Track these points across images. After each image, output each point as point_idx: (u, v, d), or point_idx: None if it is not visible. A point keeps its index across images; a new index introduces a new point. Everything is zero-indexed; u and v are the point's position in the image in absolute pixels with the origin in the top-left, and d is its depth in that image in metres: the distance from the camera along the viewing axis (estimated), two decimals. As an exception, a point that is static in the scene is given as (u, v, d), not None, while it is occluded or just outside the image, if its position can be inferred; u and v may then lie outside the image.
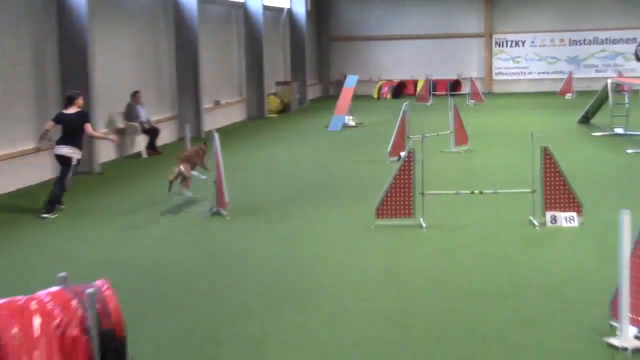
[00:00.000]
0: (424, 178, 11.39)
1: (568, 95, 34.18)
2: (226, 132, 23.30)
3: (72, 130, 12.75)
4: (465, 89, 34.33)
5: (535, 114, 27.77)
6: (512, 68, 39.35)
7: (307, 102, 34.47)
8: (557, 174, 11.19)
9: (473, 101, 32.01)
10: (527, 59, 38.88)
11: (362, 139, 21.57)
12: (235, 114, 28.19)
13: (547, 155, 11.14)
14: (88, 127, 12.92)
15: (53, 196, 12.61)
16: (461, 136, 18.89)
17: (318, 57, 39.92)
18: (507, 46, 39.27)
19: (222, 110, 26.81)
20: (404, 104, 17.83)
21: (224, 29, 27.78)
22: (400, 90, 37.53)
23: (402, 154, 13.47)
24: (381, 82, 38.19)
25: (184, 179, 12.87)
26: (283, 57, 33.87)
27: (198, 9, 22.91)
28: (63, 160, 12.74)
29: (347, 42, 40.24)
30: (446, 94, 32.52)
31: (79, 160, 12.90)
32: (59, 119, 12.94)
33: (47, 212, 12.52)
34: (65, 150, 12.68)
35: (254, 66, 28.98)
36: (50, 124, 13.07)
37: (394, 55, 39.70)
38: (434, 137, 18.52)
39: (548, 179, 11.18)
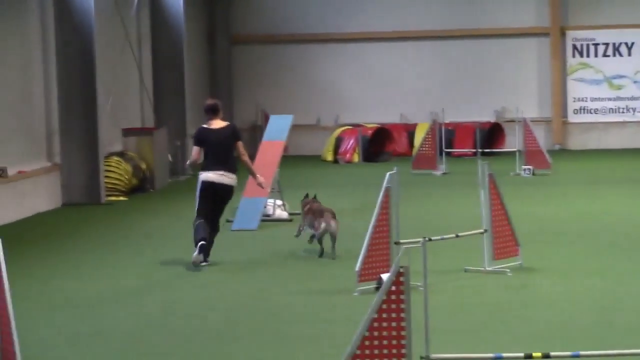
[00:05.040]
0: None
1: None
2: (17, 236, 18.18)
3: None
4: (513, 142, 26.64)
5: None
6: (608, 99, 29.33)
7: (187, 168, 24.11)
8: None
9: (529, 167, 25.00)
10: None
11: (302, 245, 16.38)
12: (41, 198, 21.90)
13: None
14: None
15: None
16: (506, 238, 15.69)
17: (209, 80, 30.79)
18: (596, 54, 29.41)
19: (12, 188, 21.00)
20: (390, 172, 14.24)
21: (17, 33, 21.08)
22: (379, 145, 29.49)
23: (384, 276, 12.24)
24: (341, 129, 29.23)
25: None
26: (138, 81, 25.59)
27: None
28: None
29: (268, 47, 30.54)
30: (473, 154, 26.61)
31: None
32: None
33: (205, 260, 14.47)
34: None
35: (76, 100, 21.55)
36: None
37: (360, 71, 30.52)
38: (439, 244, 14.48)
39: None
